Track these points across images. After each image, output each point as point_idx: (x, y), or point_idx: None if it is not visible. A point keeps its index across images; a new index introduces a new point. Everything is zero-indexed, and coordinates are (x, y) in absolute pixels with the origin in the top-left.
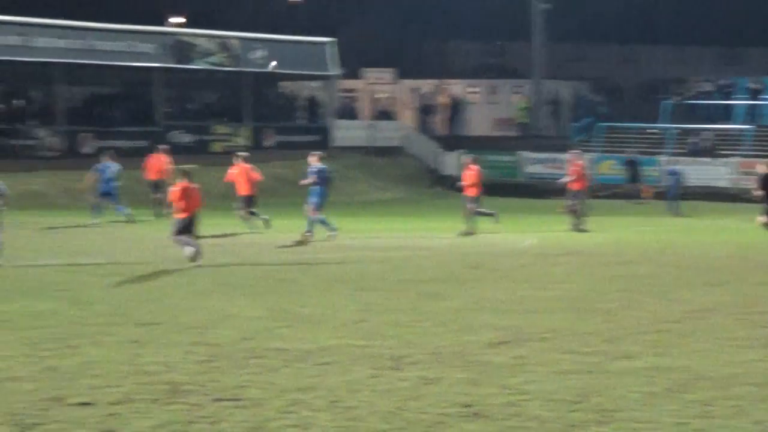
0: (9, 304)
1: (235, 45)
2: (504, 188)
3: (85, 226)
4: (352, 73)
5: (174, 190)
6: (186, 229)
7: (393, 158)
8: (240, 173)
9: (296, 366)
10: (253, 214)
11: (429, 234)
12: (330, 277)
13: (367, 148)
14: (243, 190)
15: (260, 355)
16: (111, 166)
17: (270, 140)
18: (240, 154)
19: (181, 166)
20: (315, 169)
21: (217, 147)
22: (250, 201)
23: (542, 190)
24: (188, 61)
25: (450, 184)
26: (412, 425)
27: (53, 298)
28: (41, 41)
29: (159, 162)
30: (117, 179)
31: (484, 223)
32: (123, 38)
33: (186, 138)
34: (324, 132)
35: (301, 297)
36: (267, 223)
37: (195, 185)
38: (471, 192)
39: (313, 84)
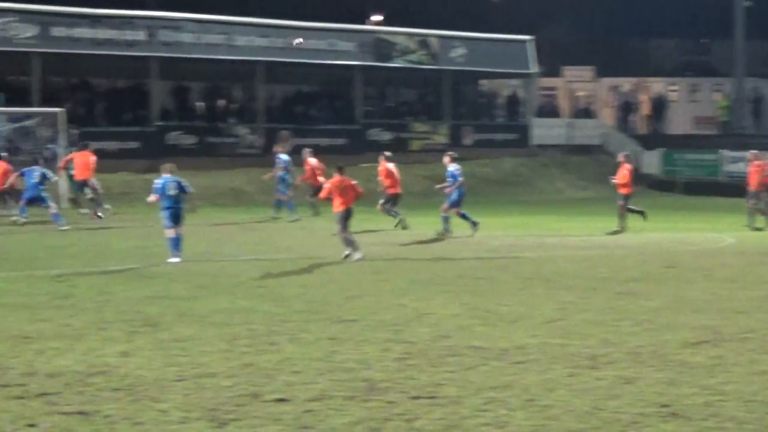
0: (208, 301)
1: (435, 43)
2: (705, 187)
3: (283, 221)
4: (551, 71)
5: (325, 186)
6: (346, 221)
7: (592, 156)
8: (383, 172)
9: (493, 364)
10: (389, 211)
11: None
12: (527, 275)
13: (566, 146)
14: (390, 189)
15: (457, 353)
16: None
17: (468, 138)
18: (385, 153)
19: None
20: (449, 173)
21: (415, 145)
22: (393, 199)
23: (743, 190)
24: (388, 59)
25: (651, 183)
26: (608, 425)
27: (252, 294)
28: (243, 40)
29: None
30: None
31: (634, 222)
32: (324, 37)
33: (385, 136)
34: (523, 130)
35: (498, 295)
36: (403, 222)
37: (350, 179)
38: (623, 190)
39: (513, 82)
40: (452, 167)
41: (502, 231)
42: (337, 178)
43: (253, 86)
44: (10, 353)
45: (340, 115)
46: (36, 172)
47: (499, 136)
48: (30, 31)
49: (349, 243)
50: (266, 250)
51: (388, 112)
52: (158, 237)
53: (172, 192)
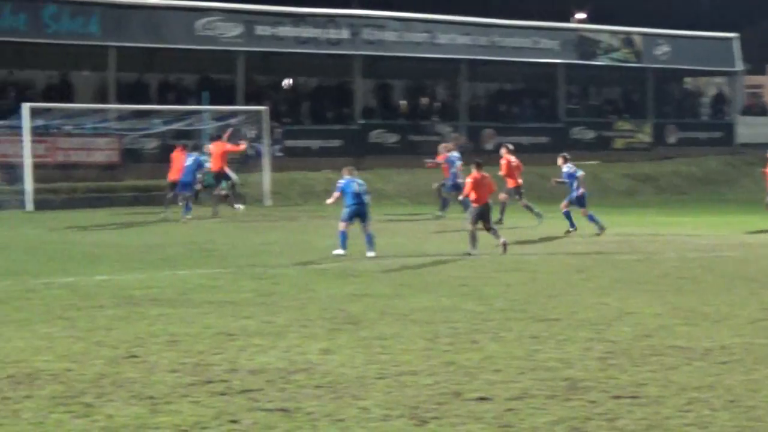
0: (410, 299)
1: (638, 41)
2: None
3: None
4: (757, 69)
5: (467, 181)
6: (481, 217)
7: None
8: (505, 165)
9: (695, 364)
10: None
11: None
12: (731, 275)
13: None
14: (508, 183)
15: (659, 353)
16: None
17: (672, 136)
18: (507, 146)
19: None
20: (565, 174)
21: (618, 143)
22: (516, 191)
23: None
24: (591, 57)
25: None
26: None
27: (454, 293)
28: (446, 38)
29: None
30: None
31: None
32: (527, 35)
33: (588, 134)
34: (728, 128)
35: (701, 295)
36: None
37: (487, 175)
38: None
39: (717, 80)
40: (566, 168)
41: (706, 230)
42: (475, 174)
43: (456, 84)
44: (213, 350)
45: (543, 114)
46: (192, 158)
47: (704, 135)
48: (235, 30)
49: (473, 240)
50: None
51: (591, 111)
52: (360, 236)
53: (356, 190)
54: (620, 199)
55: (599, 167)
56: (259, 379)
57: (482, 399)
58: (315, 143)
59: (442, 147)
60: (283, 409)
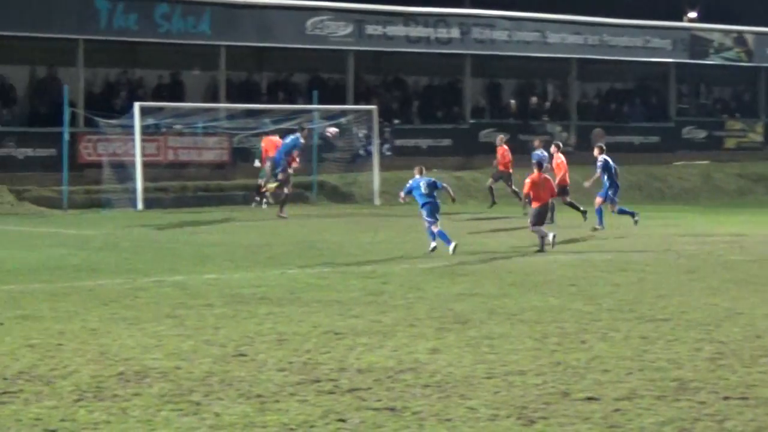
0: (518, 299)
1: (750, 39)
2: None
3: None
4: None
5: (526, 182)
6: (541, 217)
7: None
8: (560, 165)
9: None
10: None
11: None
12: None
13: None
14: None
15: None
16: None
17: None
18: (558, 143)
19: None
20: (600, 163)
21: (730, 143)
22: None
23: None
24: (703, 56)
25: None
26: None
27: (562, 292)
28: (556, 37)
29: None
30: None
31: None
32: (638, 34)
33: (699, 134)
34: None
35: None
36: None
37: (548, 177)
38: None
39: None
40: (602, 158)
41: None
42: (535, 174)
43: (566, 83)
44: (321, 348)
45: (654, 113)
46: (291, 138)
47: None
48: (345, 29)
49: (541, 236)
50: (576, 248)
51: (702, 110)
52: (468, 235)
53: (424, 190)
54: (732, 199)
55: (710, 167)
56: (367, 378)
57: (590, 399)
58: (424, 142)
59: (499, 139)
60: (390, 408)
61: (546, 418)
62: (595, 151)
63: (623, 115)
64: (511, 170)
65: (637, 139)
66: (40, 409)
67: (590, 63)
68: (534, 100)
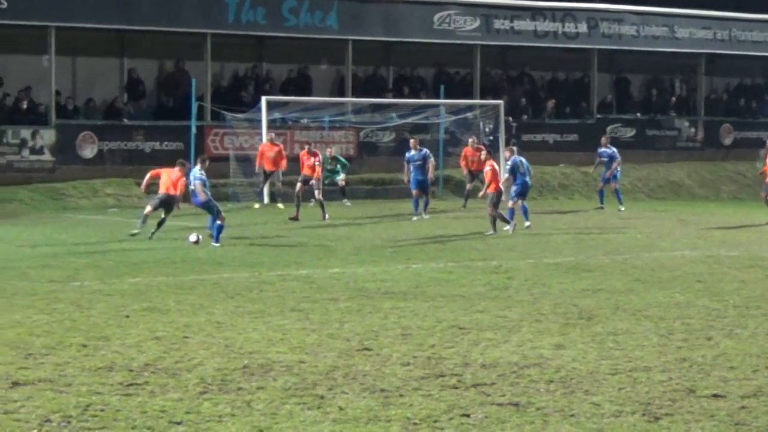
0: (644, 295)
1: None
2: None
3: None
4: None
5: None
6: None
7: None
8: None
9: None
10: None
11: None
12: None
13: None
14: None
15: None
16: None
17: None
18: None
19: None
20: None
21: None
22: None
23: None
24: None
25: None
26: None
27: (688, 289)
28: (684, 32)
29: None
30: None
31: None
32: (767, 28)
33: None
34: None
35: None
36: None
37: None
38: None
39: None
40: (609, 149)
41: None
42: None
43: (694, 78)
44: (446, 343)
45: None
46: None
47: None
48: (472, 24)
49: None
50: (705, 244)
51: None
52: (595, 230)
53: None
54: None
55: None
56: (491, 373)
57: (716, 396)
58: (551, 137)
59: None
60: (514, 404)
61: (671, 415)
62: (603, 140)
63: (752, 111)
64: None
65: (766, 135)
66: (166, 402)
67: (719, 58)
68: (660, 94)
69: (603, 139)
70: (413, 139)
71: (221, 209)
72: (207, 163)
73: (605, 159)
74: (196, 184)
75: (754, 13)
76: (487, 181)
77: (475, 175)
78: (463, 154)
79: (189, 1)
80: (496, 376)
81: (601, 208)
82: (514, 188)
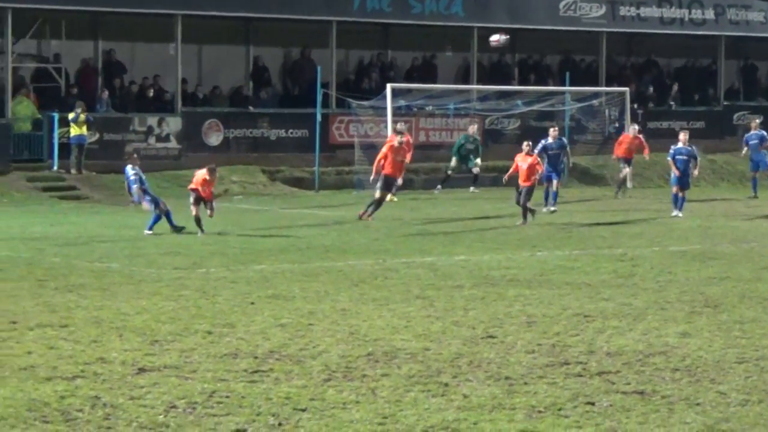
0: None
1: None
2: None
3: None
4: None
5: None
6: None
7: None
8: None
9: None
10: None
11: None
12: None
13: None
14: None
15: None
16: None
17: None
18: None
19: None
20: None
21: None
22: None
23: None
24: None
25: None
26: None
27: None
28: None
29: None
30: None
31: None
32: None
33: None
34: None
35: None
36: None
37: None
38: None
39: None
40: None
41: None
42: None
43: None
44: (571, 331)
45: None
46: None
47: None
48: (598, 11)
49: None
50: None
51: None
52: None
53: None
54: None
55: None
56: (617, 362)
57: None
58: (678, 124)
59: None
60: (639, 392)
61: None
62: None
63: None
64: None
65: None
66: (290, 388)
67: None
68: None
69: (752, 124)
70: (553, 128)
71: (160, 200)
72: (138, 160)
73: (755, 141)
74: (130, 185)
75: None
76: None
77: (629, 161)
78: (620, 140)
79: None
80: (621, 364)
81: (755, 196)
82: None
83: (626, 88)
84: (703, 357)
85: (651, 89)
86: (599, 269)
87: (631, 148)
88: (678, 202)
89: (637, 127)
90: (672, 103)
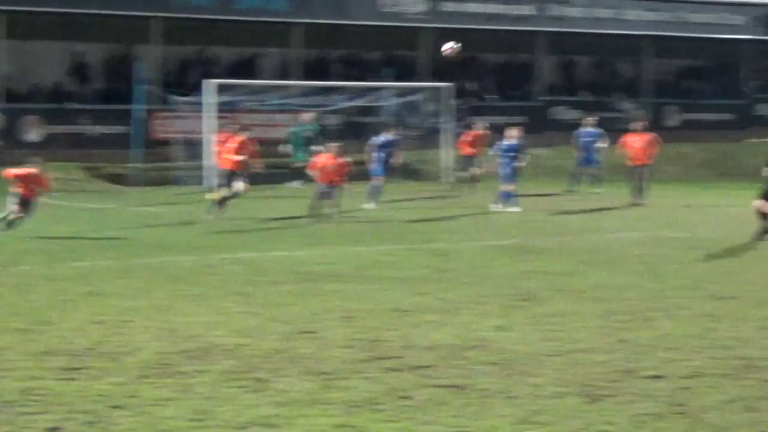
0: (586, 276)
1: None
2: None
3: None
4: None
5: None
6: None
7: None
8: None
9: None
10: None
11: None
12: None
13: None
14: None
15: None
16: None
17: None
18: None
19: None
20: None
21: None
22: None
23: None
24: None
25: None
26: None
27: (630, 270)
28: (632, 14)
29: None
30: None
31: None
32: (714, 11)
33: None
34: None
35: None
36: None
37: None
38: None
39: None
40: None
41: None
42: None
43: (641, 60)
44: (387, 326)
45: (728, 91)
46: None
47: None
48: (419, 6)
49: None
50: (647, 226)
51: None
52: (538, 212)
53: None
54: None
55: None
56: (432, 356)
57: (655, 377)
58: (499, 119)
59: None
60: (455, 386)
61: (611, 396)
62: (515, 132)
63: (697, 93)
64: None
65: (709, 117)
66: (106, 385)
67: (666, 40)
68: (607, 76)
69: (587, 120)
70: (387, 126)
71: None
72: None
73: (589, 139)
74: None
75: None
76: None
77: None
78: (465, 136)
79: None
80: (436, 358)
81: (573, 191)
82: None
83: (448, 84)
84: (518, 350)
85: (473, 85)
86: (416, 264)
87: (478, 144)
88: (505, 197)
89: (484, 123)
90: (492, 97)
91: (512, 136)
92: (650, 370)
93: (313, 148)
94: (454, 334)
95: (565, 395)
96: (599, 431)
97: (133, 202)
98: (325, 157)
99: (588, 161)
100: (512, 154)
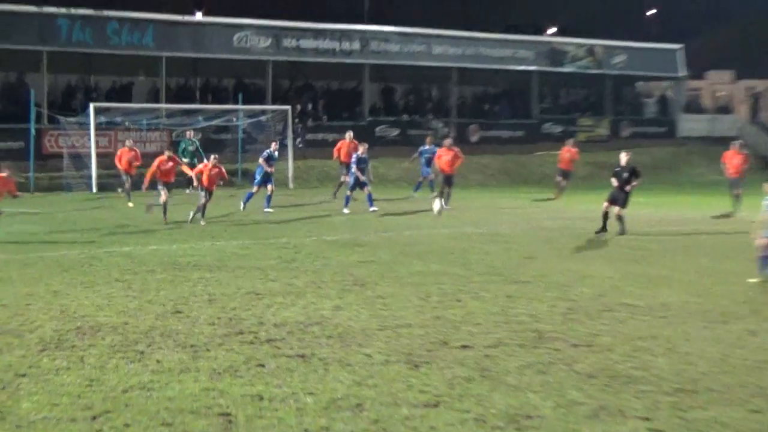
0: (407, 265)
1: (599, 51)
2: None
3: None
4: (696, 75)
5: None
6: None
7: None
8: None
9: (641, 318)
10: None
11: None
12: (675, 246)
13: (708, 138)
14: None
15: (611, 309)
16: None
17: (626, 131)
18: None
19: None
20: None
21: (581, 136)
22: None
23: None
24: (560, 64)
25: None
26: (736, 369)
27: (442, 260)
28: (439, 49)
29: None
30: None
31: None
32: (507, 46)
33: (556, 129)
34: (671, 124)
35: (649, 261)
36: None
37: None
38: (735, 174)
39: (664, 84)
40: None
41: (658, 208)
42: None
43: (447, 87)
44: (244, 306)
45: (520, 112)
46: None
47: (652, 129)
48: (265, 42)
49: None
50: (456, 223)
51: (559, 109)
52: (367, 213)
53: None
54: (582, 182)
55: None
56: (282, 331)
57: (465, 347)
58: (330, 136)
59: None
60: (301, 355)
61: (429, 363)
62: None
63: (494, 114)
64: None
65: (505, 134)
66: (12, 357)
67: (467, 71)
68: (420, 100)
69: (428, 139)
70: (275, 142)
71: None
72: None
73: (428, 155)
74: None
75: (496, 33)
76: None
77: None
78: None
79: (27, 23)
80: (285, 332)
81: (414, 197)
82: None
83: (288, 107)
84: (352, 326)
85: (309, 107)
86: (267, 255)
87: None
88: (370, 199)
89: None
90: (325, 117)
91: (363, 151)
92: (461, 341)
93: (195, 159)
94: (300, 313)
95: (391, 362)
96: (420, 392)
97: (29, 206)
98: (204, 166)
99: (427, 172)
100: (363, 166)
